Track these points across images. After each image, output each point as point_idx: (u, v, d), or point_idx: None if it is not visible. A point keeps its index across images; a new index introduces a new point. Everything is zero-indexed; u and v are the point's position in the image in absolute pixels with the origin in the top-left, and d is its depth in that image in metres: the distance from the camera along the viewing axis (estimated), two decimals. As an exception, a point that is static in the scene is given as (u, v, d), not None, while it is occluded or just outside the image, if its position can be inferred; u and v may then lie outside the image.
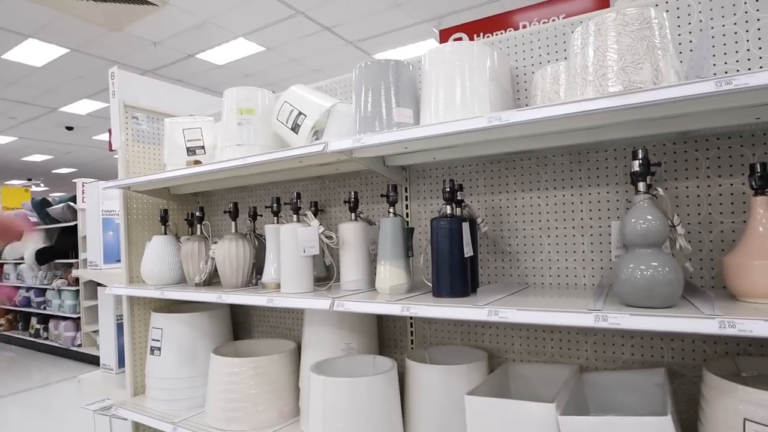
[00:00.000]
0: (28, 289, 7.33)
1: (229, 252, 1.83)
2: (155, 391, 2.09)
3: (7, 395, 5.01)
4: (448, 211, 1.38)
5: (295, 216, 1.68)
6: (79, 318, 6.34)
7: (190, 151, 2.10)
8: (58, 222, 6.60)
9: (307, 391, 1.77)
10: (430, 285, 1.45)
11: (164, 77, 7.48)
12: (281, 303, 1.53)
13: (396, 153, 1.65)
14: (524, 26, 3.77)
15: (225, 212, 1.98)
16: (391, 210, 1.54)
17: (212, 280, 2.08)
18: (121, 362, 2.50)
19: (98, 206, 2.59)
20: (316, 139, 1.75)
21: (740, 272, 1.10)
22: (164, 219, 2.17)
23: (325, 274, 2.00)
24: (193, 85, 7.89)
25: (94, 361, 5.90)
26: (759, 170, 1.11)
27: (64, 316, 6.60)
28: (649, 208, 1.08)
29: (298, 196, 1.70)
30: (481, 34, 3.93)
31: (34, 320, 7.27)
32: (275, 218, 1.85)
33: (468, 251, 1.35)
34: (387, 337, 1.95)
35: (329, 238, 1.60)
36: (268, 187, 2.31)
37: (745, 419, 1.05)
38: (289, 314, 2.25)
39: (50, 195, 7.09)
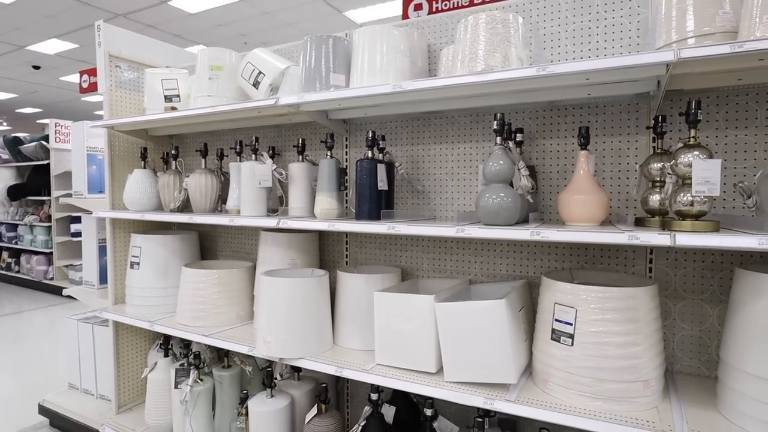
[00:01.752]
0: (0, 224, 7.51)
1: (199, 183, 2.22)
2: (134, 298, 2.51)
3: None
4: (369, 155, 1.81)
5: (253, 156, 2.08)
6: (51, 253, 6.63)
7: (167, 98, 2.44)
8: (30, 160, 6.76)
9: (257, 295, 2.23)
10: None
11: (136, 22, 7.50)
12: (240, 222, 1.96)
13: (334, 108, 2.05)
14: (482, 1, 4.11)
15: (197, 151, 2.36)
16: (329, 153, 1.95)
17: (184, 208, 2.48)
18: (102, 279, 2.89)
19: (84, 143, 2.92)
20: (273, 94, 2.13)
21: (564, 204, 1.56)
22: (144, 155, 2.54)
23: (279, 207, 2.43)
24: (164, 32, 7.93)
25: (67, 294, 6.24)
26: (583, 132, 1.56)
27: (36, 251, 6.87)
28: (502, 155, 1.53)
29: (257, 139, 2.09)
30: (440, 1, 4.26)
31: (5, 254, 7.50)
32: (238, 157, 2.24)
33: (382, 186, 1.78)
34: (327, 258, 2.40)
35: (280, 174, 2.02)
36: (233, 133, 2.68)
37: (555, 303, 1.54)
38: (248, 240, 2.68)
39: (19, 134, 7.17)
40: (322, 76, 1.83)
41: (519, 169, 1.56)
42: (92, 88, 8.57)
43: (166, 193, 2.39)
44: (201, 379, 2.27)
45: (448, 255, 2.08)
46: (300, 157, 2.06)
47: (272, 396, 2.09)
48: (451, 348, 1.60)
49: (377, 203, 1.79)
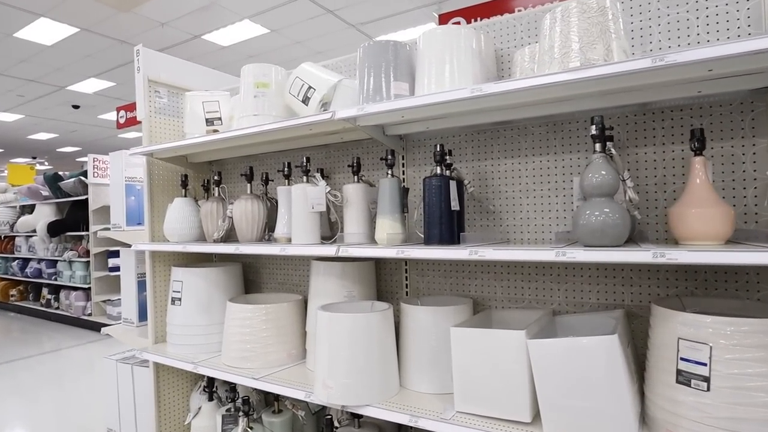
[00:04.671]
0: (40, 261, 7.59)
1: (245, 210, 2.05)
2: (175, 337, 2.33)
3: (18, 359, 5.28)
4: (438, 171, 1.60)
5: (304, 177, 1.90)
6: (89, 288, 6.60)
7: (209, 121, 2.31)
8: (69, 196, 6.83)
9: (313, 331, 2.01)
10: (422, 237, 1.68)
11: (172, 56, 7.64)
12: (293, 251, 1.76)
13: (394, 122, 1.86)
14: (519, 11, 3.95)
15: (241, 175, 2.20)
16: (389, 172, 1.75)
17: (228, 238, 2.31)
18: (141, 316, 2.74)
19: (122, 173, 2.81)
20: (324, 110, 1.96)
21: (680, 219, 1.32)
22: (185, 183, 2.40)
23: (330, 234, 2.23)
24: (199, 65, 8.05)
25: (104, 329, 6.17)
26: (697, 135, 1.32)
27: (74, 287, 6.87)
28: (603, 164, 1.30)
29: (308, 160, 1.92)
30: (478, 18, 4.11)
31: (45, 291, 7.54)
32: (286, 181, 2.07)
33: (455, 205, 1.57)
34: (384, 289, 2.18)
35: (335, 196, 1.82)
36: (278, 156, 2.52)
37: (679, 338, 1.28)
38: (295, 270, 2.48)
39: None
40: (382, 85, 1.65)
41: (624, 180, 1.32)
42: (129, 123, 8.75)
43: (209, 222, 2.23)
44: (251, 428, 2.05)
45: (525, 282, 1.84)
46: (355, 177, 1.87)
47: (331, 447, 1.86)
48: (550, 394, 1.35)
49: (450, 225, 1.57)
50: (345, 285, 1.98)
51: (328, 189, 1.82)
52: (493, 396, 1.46)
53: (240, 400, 2.04)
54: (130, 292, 2.83)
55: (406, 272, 2.12)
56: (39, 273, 7.52)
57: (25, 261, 7.92)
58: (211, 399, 2.31)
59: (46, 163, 17.98)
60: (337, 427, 1.92)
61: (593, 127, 1.31)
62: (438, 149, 1.61)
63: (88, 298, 6.70)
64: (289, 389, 1.80)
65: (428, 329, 1.72)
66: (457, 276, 1.98)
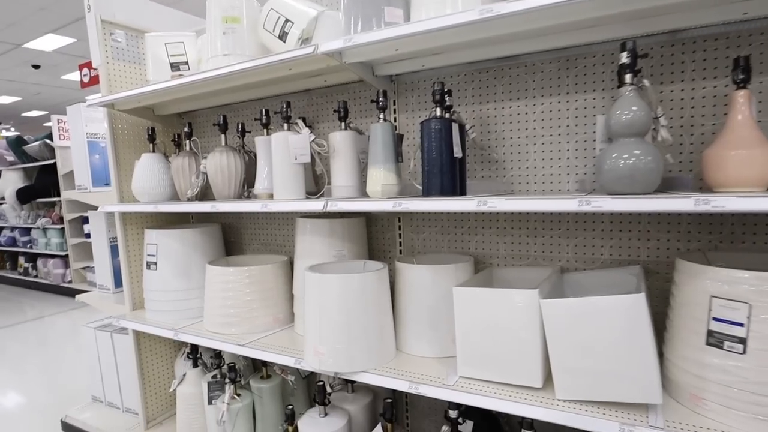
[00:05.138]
0: (12, 228, 7.27)
1: (220, 164, 1.84)
2: (154, 303, 2.16)
3: (2, 327, 5.10)
4: (438, 113, 1.41)
5: (285, 125, 1.69)
6: (67, 255, 6.36)
7: (174, 66, 2.05)
8: (36, 160, 6.46)
9: (301, 295, 1.85)
10: (420, 188, 1.50)
11: None
12: (275, 207, 1.57)
13: (386, 58, 1.64)
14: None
15: (214, 125, 1.97)
16: (381, 116, 1.55)
17: (203, 196, 2.10)
18: (117, 282, 2.55)
19: (82, 128, 2.55)
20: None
21: (718, 163, 1.14)
22: (152, 137, 2.16)
23: (315, 189, 2.04)
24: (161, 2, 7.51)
25: (85, 296, 5.98)
26: (742, 64, 1.14)
27: (51, 254, 6.62)
28: (635, 98, 1.12)
29: (288, 104, 1.69)
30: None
31: (21, 259, 7.27)
32: (264, 130, 1.85)
33: (457, 152, 1.38)
34: (376, 247, 2.02)
35: (320, 145, 1.62)
36: (254, 105, 2.28)
37: (711, 296, 1.14)
38: (279, 230, 2.30)
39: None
40: (372, 13, 1.41)
41: (658, 118, 1.14)
42: (94, 81, 8.21)
43: (181, 179, 2.01)
44: (238, 394, 1.92)
45: (530, 237, 1.68)
46: (342, 124, 1.66)
47: (326, 414, 1.73)
48: (565, 358, 1.22)
49: (452, 174, 1.39)
50: (334, 244, 1.80)
51: (313, 137, 1.61)
52: (500, 360, 1.33)
53: (226, 367, 1.89)
54: (103, 258, 2.63)
55: (399, 229, 1.95)
56: (13, 241, 7.22)
57: (-3, 228, 7.59)
58: (195, 365, 2.17)
59: (13, 129, 17.13)
60: (329, 393, 1.79)
61: (624, 54, 1.12)
62: (437, 87, 1.40)
63: (66, 266, 6.47)
64: (277, 355, 1.66)
65: (427, 289, 1.57)
66: (456, 232, 1.82)
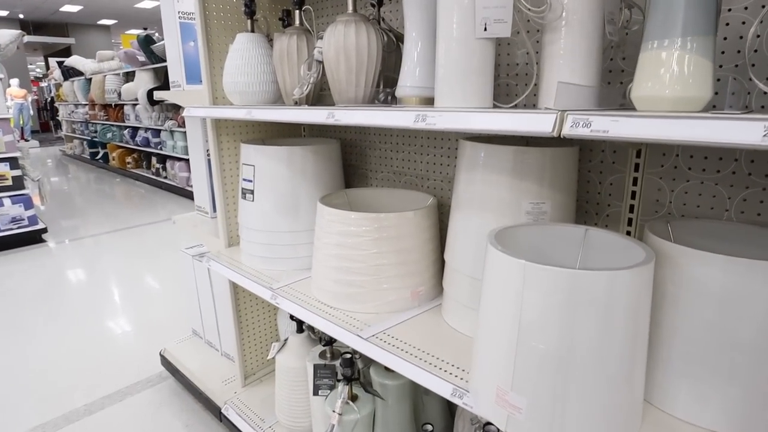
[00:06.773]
0: (146, 129, 7.49)
1: (345, 43, 1.11)
2: (250, 245, 1.62)
3: (142, 225, 5.36)
4: None
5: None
6: (189, 159, 6.37)
7: None
8: (163, 60, 6.34)
9: (457, 266, 1.15)
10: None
11: None
12: (445, 124, 0.83)
13: None
14: None
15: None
16: None
17: (319, 99, 1.43)
18: (215, 206, 2.08)
19: (173, 6, 1.97)
20: None
21: None
22: (251, 10, 1.49)
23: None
24: None
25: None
26: None
27: (177, 157, 6.70)
28: None
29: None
30: None
31: (154, 160, 7.54)
32: (420, -15, 1.06)
33: None
34: (585, 198, 1.22)
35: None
36: (398, -39, 1.48)
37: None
38: (423, 155, 1.58)
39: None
40: None
41: None
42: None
43: (287, 70, 1.34)
44: (355, 397, 1.35)
45: None
46: (581, -41, 0.82)
47: (485, 459, 1.09)
48: None
49: None
50: (529, 190, 1.04)
51: (522, -17, 0.80)
52: None
53: (341, 360, 1.31)
54: (200, 174, 2.16)
55: (636, 170, 1.12)
56: (147, 142, 7.46)
57: (134, 129, 7.91)
58: (300, 330, 1.65)
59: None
60: (489, 423, 1.14)
61: None
62: None
63: (189, 169, 6.51)
64: (420, 371, 1.01)
65: (731, 302, 0.77)
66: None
